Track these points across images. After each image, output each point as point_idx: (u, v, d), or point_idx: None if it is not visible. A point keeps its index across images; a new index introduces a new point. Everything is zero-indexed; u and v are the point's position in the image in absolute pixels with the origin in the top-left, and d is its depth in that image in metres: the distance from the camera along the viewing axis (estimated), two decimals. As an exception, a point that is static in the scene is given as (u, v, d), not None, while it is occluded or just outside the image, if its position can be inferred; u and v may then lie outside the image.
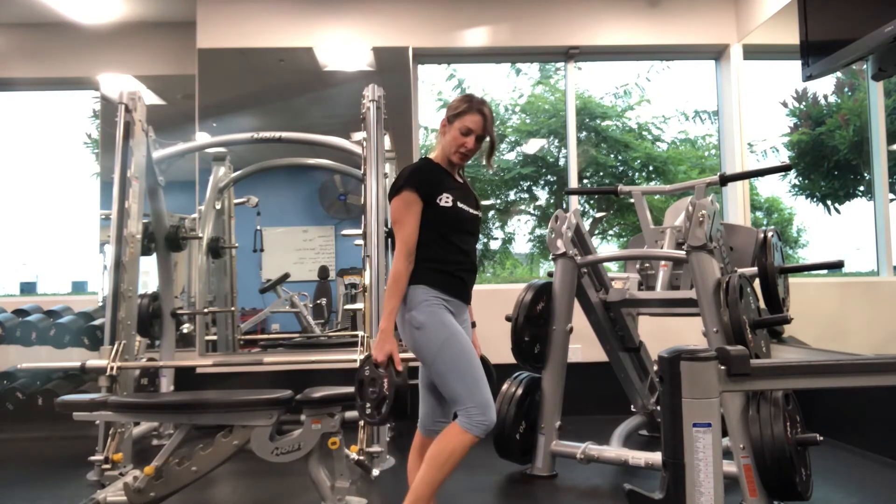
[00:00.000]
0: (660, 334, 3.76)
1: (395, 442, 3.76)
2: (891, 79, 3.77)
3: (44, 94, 5.44)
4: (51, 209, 6.10)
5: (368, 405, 2.09)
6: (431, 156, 2.27)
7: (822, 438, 2.49)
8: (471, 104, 2.21)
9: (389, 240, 3.69)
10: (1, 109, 5.40)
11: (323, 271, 4.93)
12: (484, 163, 2.38)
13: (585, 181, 6.44)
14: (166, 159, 3.75)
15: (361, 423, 3.05)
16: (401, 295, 2.10)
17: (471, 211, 2.25)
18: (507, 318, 3.22)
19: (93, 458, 3.07)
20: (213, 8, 4.74)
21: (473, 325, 2.38)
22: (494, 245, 6.98)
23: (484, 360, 2.26)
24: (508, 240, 6.99)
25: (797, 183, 5.34)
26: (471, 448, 2.08)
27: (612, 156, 6.71)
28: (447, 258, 2.17)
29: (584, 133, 6.50)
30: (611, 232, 7.10)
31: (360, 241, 3.48)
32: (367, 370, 2.11)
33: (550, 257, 3.32)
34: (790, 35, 2.90)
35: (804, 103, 5.18)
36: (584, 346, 3.83)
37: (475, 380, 2.09)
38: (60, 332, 3.95)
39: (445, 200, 2.16)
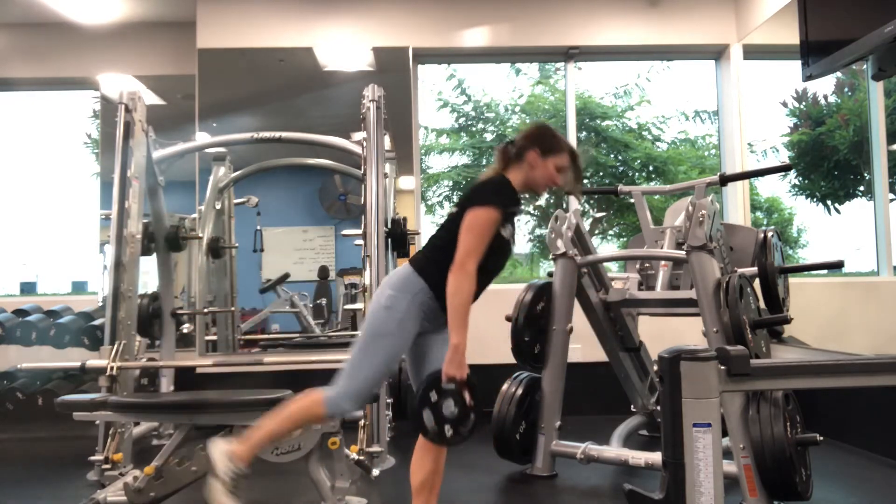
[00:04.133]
0: (660, 334, 3.75)
1: (395, 442, 3.75)
2: (891, 79, 3.77)
3: (44, 94, 5.44)
4: (51, 209, 6.09)
5: (447, 426, 2.01)
6: (511, 179, 2.20)
7: (822, 438, 2.49)
8: (564, 143, 2.26)
9: (390, 240, 3.69)
10: (1, 109, 5.40)
11: (323, 271, 4.93)
12: (569, 192, 2.34)
13: (585, 181, 6.43)
14: (166, 159, 3.75)
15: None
16: (468, 314, 2.05)
17: (512, 243, 2.23)
18: (507, 318, 3.22)
19: (93, 458, 3.06)
20: (213, 8, 4.74)
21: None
22: (494, 245, 6.98)
23: (433, 375, 2.12)
24: (508, 240, 6.99)
25: (797, 183, 5.35)
26: (313, 422, 2.20)
27: (612, 156, 6.71)
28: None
29: (584, 133, 6.50)
30: (611, 232, 7.09)
31: (360, 241, 3.48)
32: (435, 393, 2.02)
33: (550, 257, 3.32)
34: (790, 35, 2.89)
35: (804, 103, 5.19)
36: (584, 346, 3.82)
37: (372, 374, 2.11)
38: (60, 332, 3.94)
39: (505, 232, 2.14)
